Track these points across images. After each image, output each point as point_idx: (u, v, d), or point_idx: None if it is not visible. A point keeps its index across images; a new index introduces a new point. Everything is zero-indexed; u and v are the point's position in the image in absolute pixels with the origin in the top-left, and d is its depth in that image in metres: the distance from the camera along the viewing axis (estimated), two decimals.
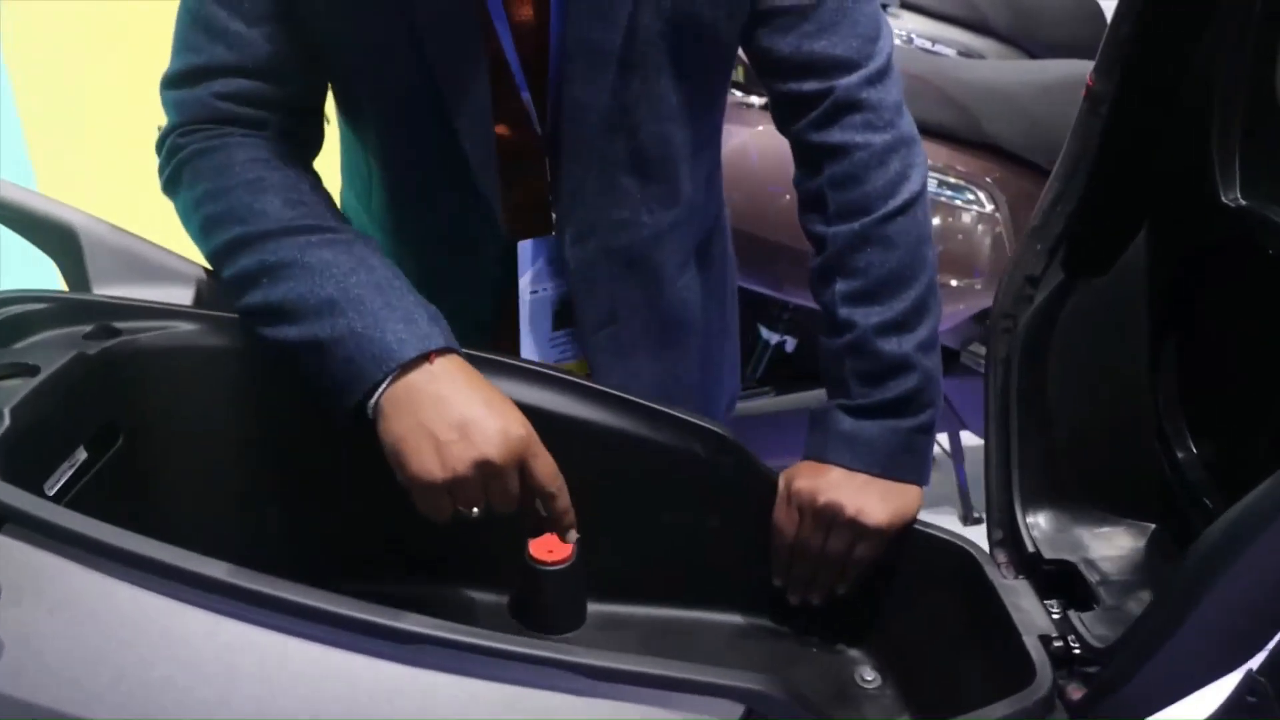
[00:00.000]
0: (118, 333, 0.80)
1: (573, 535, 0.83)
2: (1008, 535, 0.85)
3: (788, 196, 1.67)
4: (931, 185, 1.63)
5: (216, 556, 0.85)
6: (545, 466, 0.76)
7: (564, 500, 0.78)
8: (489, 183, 0.90)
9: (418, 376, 0.74)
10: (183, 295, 0.85)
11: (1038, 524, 0.84)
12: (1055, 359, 0.84)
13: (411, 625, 0.57)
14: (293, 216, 0.78)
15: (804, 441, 0.92)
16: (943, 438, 1.98)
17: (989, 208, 1.66)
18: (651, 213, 0.95)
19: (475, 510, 0.75)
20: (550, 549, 0.89)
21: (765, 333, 1.77)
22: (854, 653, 0.91)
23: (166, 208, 0.85)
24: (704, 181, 1.01)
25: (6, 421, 0.66)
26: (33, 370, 0.72)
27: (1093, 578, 0.79)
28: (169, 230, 0.85)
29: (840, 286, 0.89)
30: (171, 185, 0.84)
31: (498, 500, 0.75)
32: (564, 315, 0.99)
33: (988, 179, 1.67)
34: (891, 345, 0.87)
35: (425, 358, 0.74)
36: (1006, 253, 1.67)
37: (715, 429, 0.88)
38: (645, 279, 0.98)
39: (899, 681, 0.88)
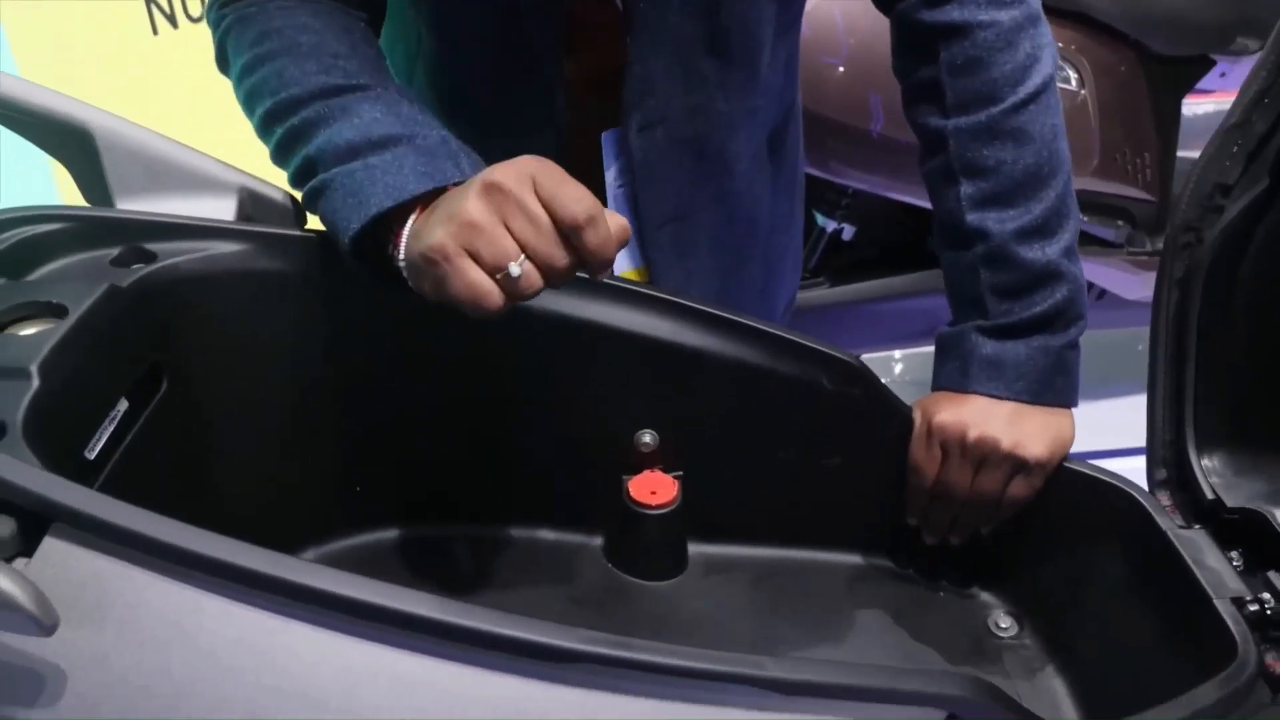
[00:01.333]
0: (152, 256, 0.67)
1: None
2: (1175, 477, 0.75)
3: (841, 69, 1.53)
4: None
5: (275, 506, 0.77)
6: (565, 186, 0.58)
7: (599, 231, 0.58)
8: (552, 59, 0.79)
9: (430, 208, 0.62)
10: (224, 209, 0.72)
11: (1214, 467, 0.74)
12: (1249, 282, 0.72)
13: (569, 642, 0.46)
14: (325, 81, 0.68)
15: (933, 370, 0.81)
16: None
17: (1073, 83, 1.51)
18: (728, 100, 0.84)
19: (516, 267, 0.57)
20: (653, 489, 0.80)
21: (821, 220, 1.64)
22: (986, 596, 0.83)
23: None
24: (783, 66, 0.89)
25: (36, 382, 0.54)
26: (59, 311, 0.59)
27: None
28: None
29: (967, 189, 0.77)
30: (221, 62, 0.75)
31: (530, 238, 0.57)
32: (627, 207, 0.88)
33: (1071, 48, 1.51)
34: (1035, 253, 0.76)
35: (441, 190, 0.62)
36: (1093, 135, 1.53)
37: (844, 357, 0.77)
38: (715, 171, 0.87)
39: (1040, 630, 0.80)
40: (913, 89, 0.81)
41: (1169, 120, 1.69)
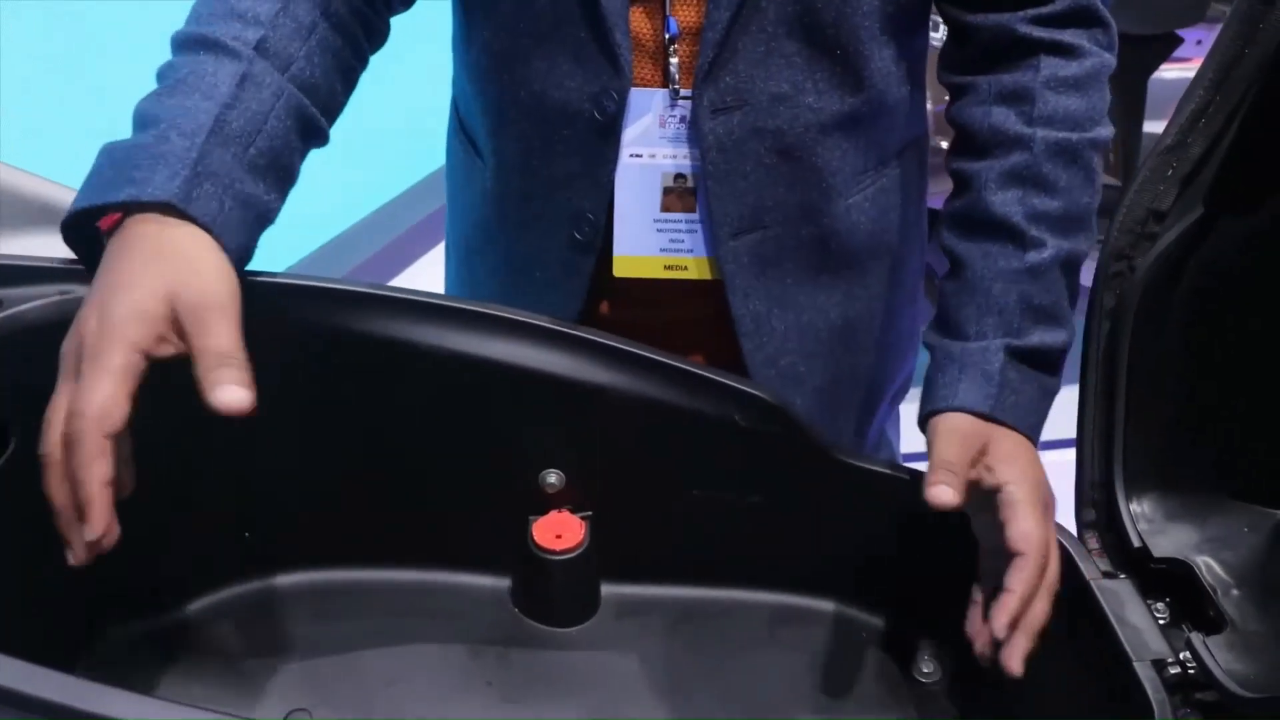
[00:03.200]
0: None
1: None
2: (1104, 519, 0.71)
3: None
4: None
5: (156, 558, 0.73)
6: (92, 379, 0.55)
7: (75, 457, 0.54)
8: (619, 15, 0.74)
9: (128, 225, 0.60)
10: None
11: (1143, 512, 0.70)
12: (1181, 315, 0.68)
13: None
14: (211, 28, 0.65)
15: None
16: None
17: None
18: (820, 94, 0.77)
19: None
20: (559, 533, 0.76)
21: None
22: (910, 638, 0.79)
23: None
24: (900, 75, 0.81)
25: None
26: None
27: (1215, 586, 0.66)
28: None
29: (1035, 199, 0.73)
30: None
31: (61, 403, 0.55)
32: (683, 199, 0.81)
33: None
34: (1073, 284, 0.74)
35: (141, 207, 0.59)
36: None
37: (760, 394, 0.73)
38: (804, 181, 0.80)
39: (963, 676, 0.77)
40: (990, 91, 0.76)
41: (1134, 101, 1.65)
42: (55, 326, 0.63)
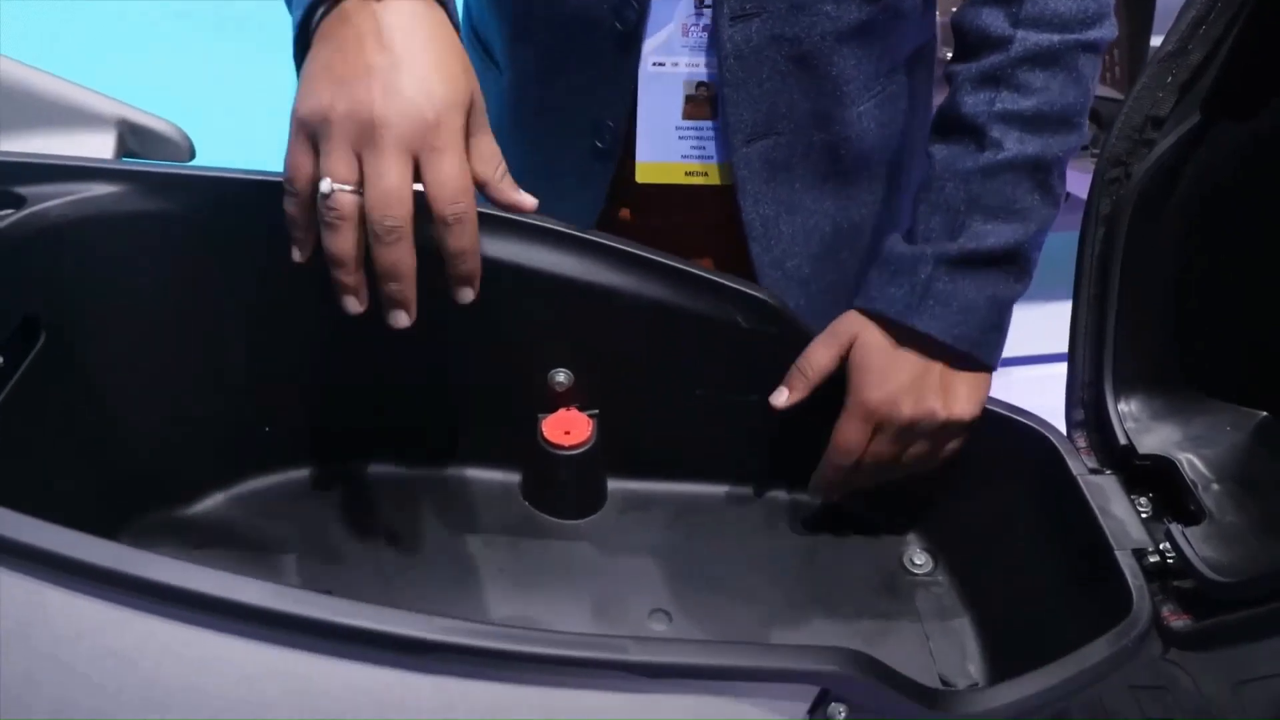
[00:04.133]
0: (21, 200, 0.63)
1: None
2: (1092, 418, 0.74)
3: None
4: None
5: (179, 450, 0.76)
6: (450, 169, 0.54)
7: (464, 236, 0.55)
8: None
9: (357, 5, 0.55)
10: (102, 144, 0.68)
11: (1130, 411, 0.73)
12: (1175, 220, 0.70)
13: (421, 633, 0.45)
14: None
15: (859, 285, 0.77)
16: None
17: None
18: (838, 2, 0.77)
19: (330, 185, 0.53)
20: (567, 429, 0.78)
21: None
22: (903, 533, 0.83)
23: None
24: None
25: None
26: None
27: (1196, 481, 0.69)
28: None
29: (1006, 100, 0.73)
30: None
31: (372, 189, 0.53)
32: (704, 106, 0.82)
33: None
34: (1031, 183, 0.73)
35: None
36: None
37: (761, 295, 0.75)
38: (818, 89, 0.81)
39: (953, 568, 0.80)
40: None
41: (1140, 10, 1.62)
42: (77, 224, 0.65)
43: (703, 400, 0.79)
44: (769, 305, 0.75)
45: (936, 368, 0.73)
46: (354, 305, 0.57)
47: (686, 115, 0.82)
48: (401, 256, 0.55)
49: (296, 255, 0.58)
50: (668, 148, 0.83)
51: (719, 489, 0.84)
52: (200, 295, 0.71)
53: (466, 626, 0.46)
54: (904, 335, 0.73)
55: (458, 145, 0.54)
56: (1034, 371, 1.55)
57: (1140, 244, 0.70)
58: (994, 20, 0.74)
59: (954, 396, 0.73)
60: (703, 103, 0.82)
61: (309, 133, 0.54)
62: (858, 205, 0.89)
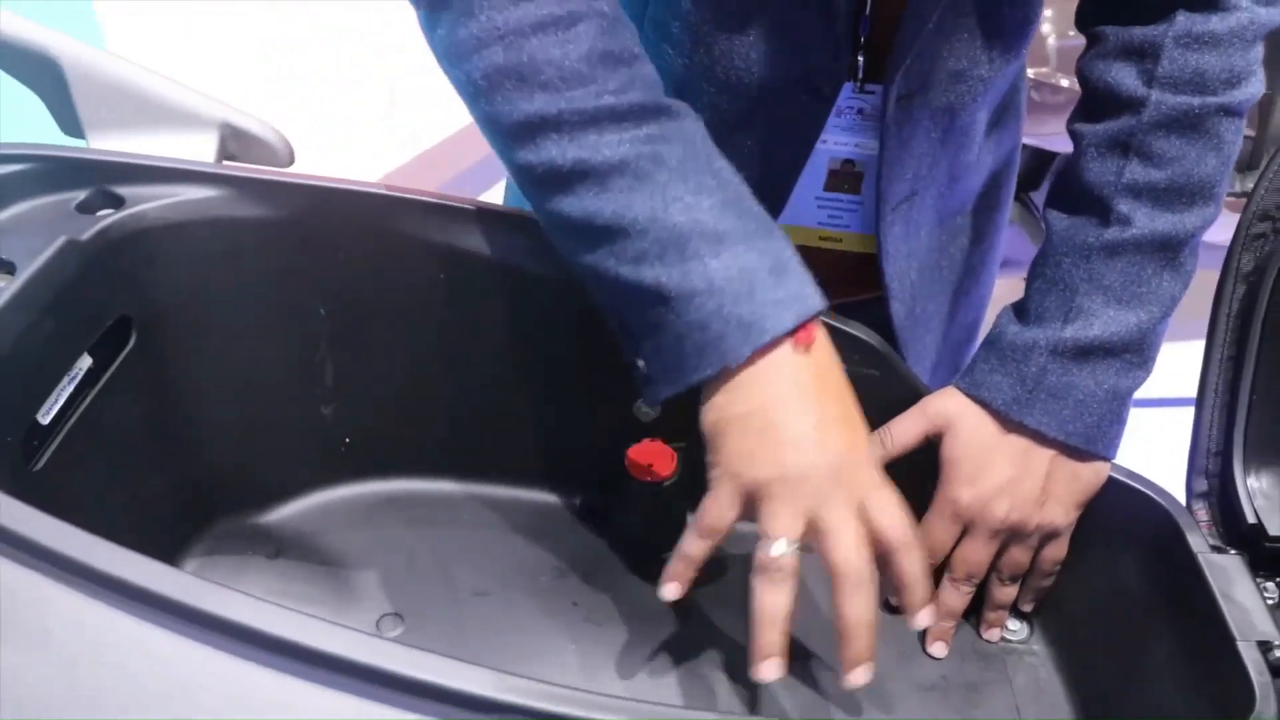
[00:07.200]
0: (120, 200, 0.63)
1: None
2: (1217, 490, 0.69)
3: None
4: None
5: (260, 457, 0.75)
6: (890, 500, 0.60)
7: (919, 560, 0.61)
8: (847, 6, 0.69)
9: (782, 352, 0.59)
10: (204, 146, 0.68)
11: (1261, 488, 0.67)
12: None
13: (489, 692, 0.43)
14: (615, 86, 0.58)
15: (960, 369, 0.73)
16: None
17: None
18: (991, 63, 0.74)
19: (786, 545, 0.59)
20: (650, 462, 0.75)
21: None
22: None
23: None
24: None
25: None
26: (8, 267, 0.56)
27: None
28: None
29: (1136, 171, 0.67)
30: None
31: (839, 540, 0.59)
32: (846, 180, 0.80)
33: None
34: (1159, 263, 0.67)
35: (799, 327, 0.59)
36: None
37: (865, 338, 0.71)
38: (956, 144, 0.78)
39: (1051, 638, 0.75)
40: (1115, 43, 0.70)
41: (1274, 38, 1.54)
42: (174, 226, 0.65)
43: None
44: (873, 349, 0.72)
45: (1040, 468, 0.68)
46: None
47: (828, 188, 0.80)
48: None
49: (672, 592, 0.62)
50: (806, 215, 0.81)
51: None
52: (291, 303, 0.70)
53: (540, 689, 0.43)
54: (1010, 426, 0.68)
55: (885, 489, 0.61)
56: (1145, 415, 1.47)
57: None
58: (1126, 78, 0.68)
59: (1056, 493, 0.68)
60: (845, 178, 0.79)
61: (748, 492, 0.59)
62: (961, 238, 0.87)
